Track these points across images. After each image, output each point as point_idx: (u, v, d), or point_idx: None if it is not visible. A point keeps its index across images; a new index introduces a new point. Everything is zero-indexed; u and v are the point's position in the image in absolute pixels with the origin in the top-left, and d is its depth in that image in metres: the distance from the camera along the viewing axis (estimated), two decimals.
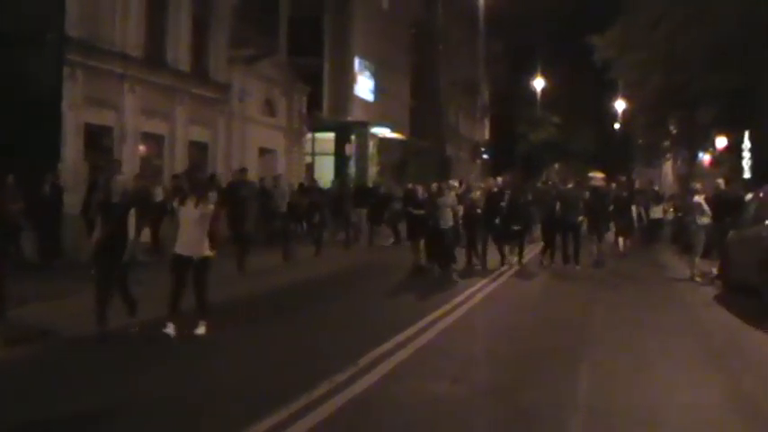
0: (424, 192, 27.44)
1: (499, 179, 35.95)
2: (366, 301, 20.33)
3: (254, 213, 27.71)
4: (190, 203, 14.94)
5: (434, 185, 27.51)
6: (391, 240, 35.46)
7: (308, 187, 34.37)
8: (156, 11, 31.83)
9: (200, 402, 10.71)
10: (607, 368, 12.99)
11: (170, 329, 14.46)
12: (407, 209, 28.33)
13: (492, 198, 28.53)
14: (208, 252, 14.95)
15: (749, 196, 24.78)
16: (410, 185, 31.74)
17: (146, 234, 18.76)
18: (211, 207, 15.18)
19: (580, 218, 28.53)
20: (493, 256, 27.68)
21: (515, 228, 28.08)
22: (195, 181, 15.75)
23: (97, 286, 14.49)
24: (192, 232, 14.81)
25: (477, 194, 29.20)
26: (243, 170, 29.98)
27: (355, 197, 35.70)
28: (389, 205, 35.65)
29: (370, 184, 42.81)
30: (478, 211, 27.50)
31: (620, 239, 33.42)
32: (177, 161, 32.61)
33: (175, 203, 15.67)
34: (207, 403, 10.67)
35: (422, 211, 26.14)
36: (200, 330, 14.81)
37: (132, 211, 14.58)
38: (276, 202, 30.71)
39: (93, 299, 14.45)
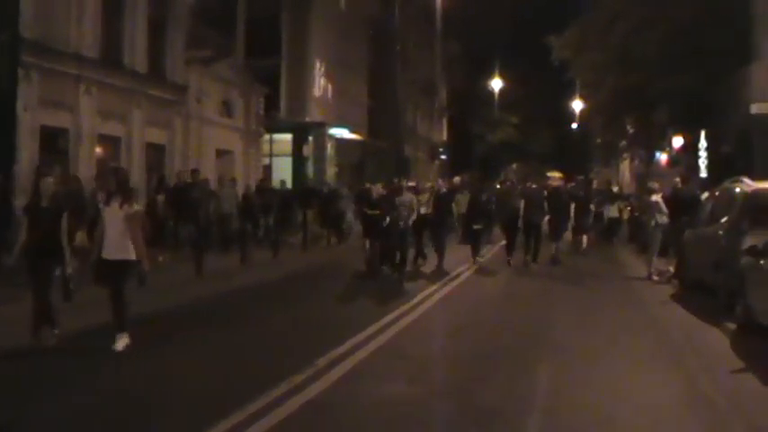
0: (379, 191, 26.92)
1: (457, 179, 36.10)
2: (324, 302, 20.29)
3: (205, 215, 27.62)
4: (114, 204, 13.94)
5: (377, 186, 27.45)
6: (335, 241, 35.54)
7: (264, 188, 34.28)
8: (112, 12, 31.65)
9: (157, 405, 10.67)
10: (564, 367, 13.03)
11: (121, 344, 13.59)
12: (362, 209, 27.52)
13: (440, 199, 28.50)
14: (132, 256, 13.89)
15: (705, 195, 24.98)
16: (368, 185, 31.33)
17: (81, 239, 18.15)
18: (137, 208, 14.39)
19: (546, 218, 29.25)
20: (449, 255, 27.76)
21: (476, 227, 28.35)
22: (121, 180, 14.73)
23: (34, 297, 13.84)
24: (116, 234, 13.81)
25: (424, 196, 28.97)
26: (194, 171, 29.92)
27: (301, 198, 35.76)
28: (334, 205, 35.66)
29: (322, 185, 42.79)
30: (422, 211, 27.38)
31: (579, 237, 33.88)
32: (134, 163, 32.45)
33: (100, 204, 14.70)
34: (163, 406, 10.62)
35: (376, 212, 25.47)
36: (121, 344, 13.67)
37: (65, 216, 14.00)
38: (222, 205, 30.52)
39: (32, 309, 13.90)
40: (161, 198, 28.03)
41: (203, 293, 20.85)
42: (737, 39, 38.22)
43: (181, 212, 27.78)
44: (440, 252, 27.34)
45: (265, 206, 31.08)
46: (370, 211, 25.95)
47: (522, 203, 28.87)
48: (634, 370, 12.80)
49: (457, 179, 36.93)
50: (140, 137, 33.42)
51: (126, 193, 14.17)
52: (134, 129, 32.95)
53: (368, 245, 25.86)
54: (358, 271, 25.49)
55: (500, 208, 30.58)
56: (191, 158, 36.64)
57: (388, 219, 24.90)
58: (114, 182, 14.34)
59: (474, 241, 28.85)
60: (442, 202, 28.13)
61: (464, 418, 10.35)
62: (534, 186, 31.29)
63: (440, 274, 25.51)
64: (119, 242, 13.79)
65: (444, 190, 29.86)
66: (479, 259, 28.68)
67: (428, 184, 34.72)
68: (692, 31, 39.24)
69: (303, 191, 38.21)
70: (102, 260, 13.88)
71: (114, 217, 13.86)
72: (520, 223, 28.56)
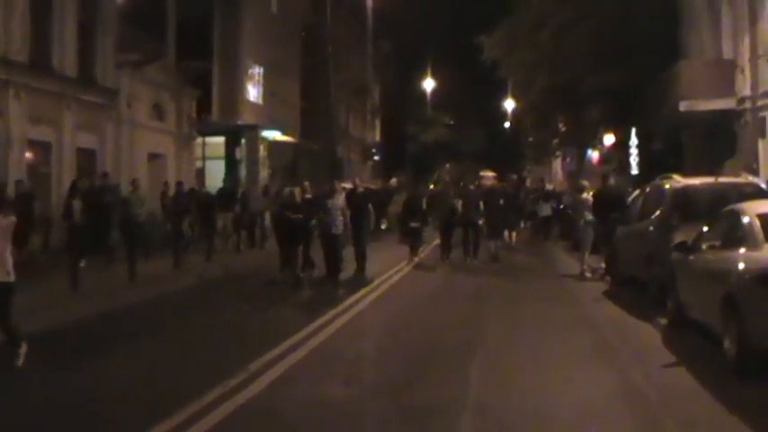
0: (301, 194, 24.97)
1: (394, 180, 36.49)
2: (258, 305, 20.28)
3: (124, 220, 26.96)
4: None
5: (285, 188, 26.09)
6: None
7: (179, 192, 33.15)
8: (41, 15, 31.27)
9: (90, 411, 10.62)
10: (499, 364, 13.15)
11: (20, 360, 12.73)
12: (284, 213, 24.41)
13: (357, 198, 27.14)
14: (10, 277, 12.82)
15: (636, 192, 25.27)
16: (288, 189, 27.64)
17: None
18: (13, 219, 13.07)
19: (480, 220, 29.77)
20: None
21: (413, 225, 28.66)
22: None
23: None
24: None
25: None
26: (104, 175, 29.43)
27: (220, 201, 33.79)
28: (247, 208, 35.18)
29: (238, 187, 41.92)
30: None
31: (507, 233, 34.54)
32: (65, 168, 32.17)
33: None
34: (97, 412, 10.57)
35: (299, 216, 23.54)
36: (19, 362, 12.79)
37: None
38: (133, 210, 28.05)
39: None
40: (77, 203, 27.04)
41: (136, 298, 20.77)
42: (666, 37, 38.63)
43: (93, 217, 27.05)
44: (360, 256, 25.93)
45: (179, 210, 30.09)
46: (292, 215, 23.70)
47: (459, 203, 29.76)
48: (567, 366, 12.91)
49: (394, 180, 37.17)
50: (71, 142, 33.11)
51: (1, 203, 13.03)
52: (64, 133, 32.62)
53: (287, 251, 24.18)
54: (273, 277, 24.44)
55: (436, 208, 30.81)
56: (123, 163, 36.38)
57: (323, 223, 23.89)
58: None
59: (412, 240, 29.15)
60: (357, 203, 26.40)
61: (399, 418, 10.41)
62: (471, 186, 31.97)
63: (363, 279, 25.01)
64: None
65: (361, 189, 28.72)
66: (415, 258, 28.90)
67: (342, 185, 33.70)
68: (621, 29, 39.59)
69: (222, 193, 35.62)
70: None
71: None
72: (456, 222, 29.50)
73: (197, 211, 31.04)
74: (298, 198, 24.50)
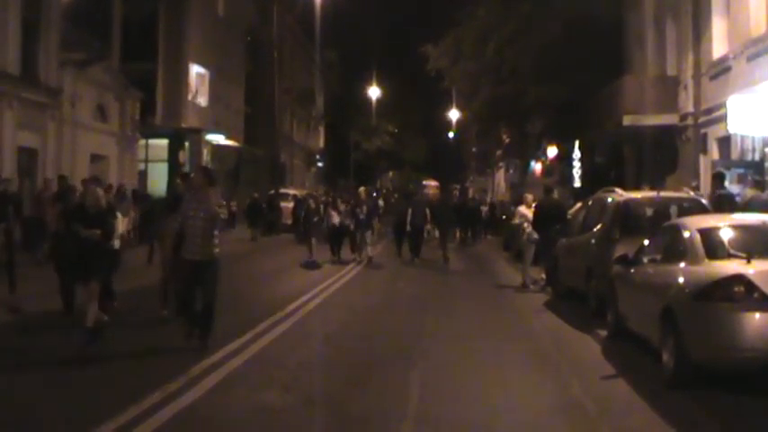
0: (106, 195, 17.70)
1: (362, 189, 37.50)
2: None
3: None
4: None
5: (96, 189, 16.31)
6: None
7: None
8: None
9: (25, 419, 10.45)
10: (438, 374, 13.09)
11: None
12: (74, 226, 15.05)
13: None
14: None
15: (577, 205, 25.38)
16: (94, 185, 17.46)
17: None
18: None
19: (428, 226, 33.02)
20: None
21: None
22: None
23: None
24: None
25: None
26: None
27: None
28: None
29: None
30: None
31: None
32: (5, 167, 31.80)
33: None
34: (34, 420, 10.41)
35: (96, 231, 14.61)
36: None
37: None
38: None
39: None
40: None
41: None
42: (610, 52, 38.91)
43: None
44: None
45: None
46: (84, 232, 14.65)
47: (409, 211, 32.55)
48: (507, 377, 12.91)
49: (362, 189, 37.63)
50: (11, 140, 32.74)
51: None
52: (5, 132, 32.24)
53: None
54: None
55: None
56: (64, 163, 36.03)
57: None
58: None
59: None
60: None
61: (337, 427, 10.40)
62: (418, 198, 34.69)
63: (316, 278, 25.12)
64: None
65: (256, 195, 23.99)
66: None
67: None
68: (565, 43, 39.84)
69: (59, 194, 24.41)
70: None
71: None
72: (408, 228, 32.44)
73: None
74: (103, 201, 15.74)
